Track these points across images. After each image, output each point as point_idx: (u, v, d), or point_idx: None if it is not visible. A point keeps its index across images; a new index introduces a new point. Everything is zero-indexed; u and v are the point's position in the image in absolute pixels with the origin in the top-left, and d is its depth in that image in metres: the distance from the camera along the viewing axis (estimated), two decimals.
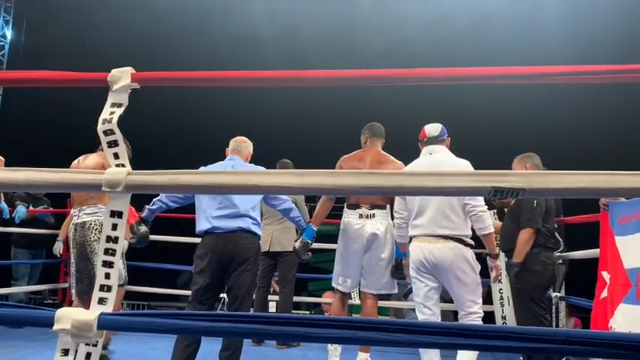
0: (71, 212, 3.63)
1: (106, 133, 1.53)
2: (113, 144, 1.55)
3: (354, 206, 3.28)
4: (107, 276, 1.51)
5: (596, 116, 7.53)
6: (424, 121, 3.29)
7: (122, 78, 1.50)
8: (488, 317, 4.78)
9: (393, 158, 3.41)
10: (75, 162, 3.62)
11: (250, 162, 3.36)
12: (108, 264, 1.51)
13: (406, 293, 6.95)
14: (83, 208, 3.49)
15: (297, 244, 3.32)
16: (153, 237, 5.52)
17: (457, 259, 2.92)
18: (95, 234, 3.43)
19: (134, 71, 1.50)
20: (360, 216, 3.26)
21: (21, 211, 4.97)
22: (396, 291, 3.46)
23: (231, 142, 3.38)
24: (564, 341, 1.23)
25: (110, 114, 1.53)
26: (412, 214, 3.06)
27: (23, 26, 8.52)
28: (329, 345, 3.36)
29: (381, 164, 3.35)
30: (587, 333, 1.32)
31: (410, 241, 3.11)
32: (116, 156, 1.54)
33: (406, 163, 3.26)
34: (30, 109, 8.19)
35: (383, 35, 8.25)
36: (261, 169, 3.06)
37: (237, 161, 3.24)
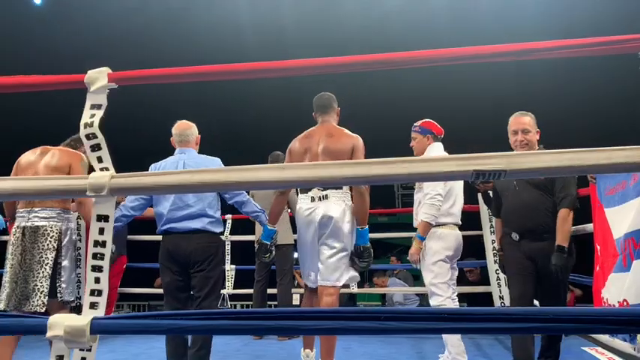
0: (17, 213, 2.97)
1: (88, 137, 1.53)
2: (96, 148, 1.55)
3: (305, 190, 2.90)
4: (97, 280, 1.51)
5: (575, 93, 7.57)
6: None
7: (99, 79, 1.49)
8: (486, 298, 4.83)
9: (348, 131, 2.99)
10: (29, 157, 3.05)
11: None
12: (97, 268, 1.52)
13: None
14: (35, 209, 2.89)
15: (258, 247, 3.07)
16: (151, 237, 5.54)
17: None
18: (50, 242, 2.85)
19: (110, 71, 1.49)
20: (312, 199, 2.86)
21: None
22: (356, 281, 3.15)
23: (174, 132, 3.18)
24: (553, 320, 1.24)
25: (91, 117, 1.53)
26: (450, 201, 3.19)
27: None
28: (302, 353, 3.01)
29: (331, 137, 2.96)
30: (575, 310, 1.33)
31: (434, 227, 3.17)
32: (100, 159, 1.54)
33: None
34: None
35: (360, 15, 8.19)
36: (215, 159, 3.04)
37: (188, 154, 3.12)
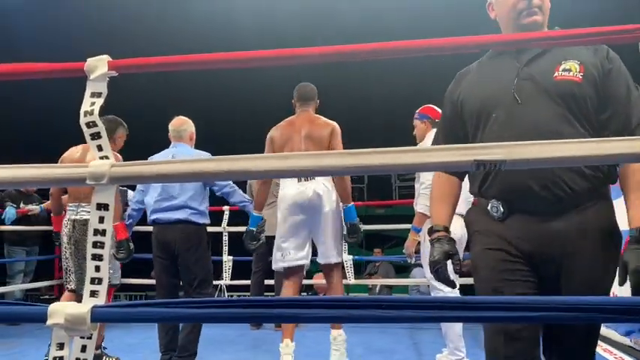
0: (67, 207, 3.39)
1: (88, 125, 1.52)
2: (96, 136, 1.53)
3: None
4: (97, 269, 1.50)
5: None
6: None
7: (99, 67, 1.47)
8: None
9: (326, 119, 3.13)
10: (69, 154, 3.38)
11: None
12: (97, 257, 1.51)
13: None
14: (82, 204, 3.28)
15: (244, 234, 3.10)
16: (147, 228, 5.53)
17: None
18: None
19: (110, 59, 1.48)
20: (299, 180, 2.95)
21: (10, 212, 4.94)
22: (341, 259, 3.15)
23: (170, 128, 3.37)
24: (559, 309, 1.24)
25: (91, 105, 1.51)
26: None
27: None
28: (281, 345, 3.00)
29: (312, 124, 3.10)
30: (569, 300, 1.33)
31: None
32: (99, 148, 1.53)
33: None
34: None
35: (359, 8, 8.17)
36: (205, 154, 3.11)
37: (179, 148, 3.26)
